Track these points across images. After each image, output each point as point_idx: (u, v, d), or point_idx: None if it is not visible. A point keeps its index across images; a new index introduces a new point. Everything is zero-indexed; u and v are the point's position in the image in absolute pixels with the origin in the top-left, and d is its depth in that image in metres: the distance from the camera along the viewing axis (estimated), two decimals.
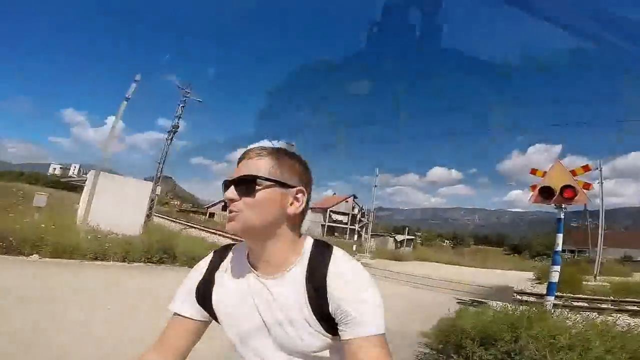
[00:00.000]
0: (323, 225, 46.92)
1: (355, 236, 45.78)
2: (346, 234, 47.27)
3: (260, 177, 0.74)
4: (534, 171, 6.30)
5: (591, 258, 23.54)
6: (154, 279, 7.34)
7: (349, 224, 49.19)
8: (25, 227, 7.34)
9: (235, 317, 0.81)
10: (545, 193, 5.81)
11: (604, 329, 3.55)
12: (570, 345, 3.11)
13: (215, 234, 20.44)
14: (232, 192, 0.75)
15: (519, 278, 17.38)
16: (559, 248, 6.28)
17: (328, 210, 48.04)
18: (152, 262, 8.39)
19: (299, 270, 0.76)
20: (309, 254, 0.78)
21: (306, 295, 0.74)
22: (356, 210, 51.00)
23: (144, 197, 11.67)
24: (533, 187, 6.16)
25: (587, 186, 6.09)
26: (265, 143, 0.81)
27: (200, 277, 0.86)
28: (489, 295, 10.46)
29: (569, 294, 11.74)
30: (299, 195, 0.77)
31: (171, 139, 28.99)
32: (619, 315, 7.77)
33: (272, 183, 0.74)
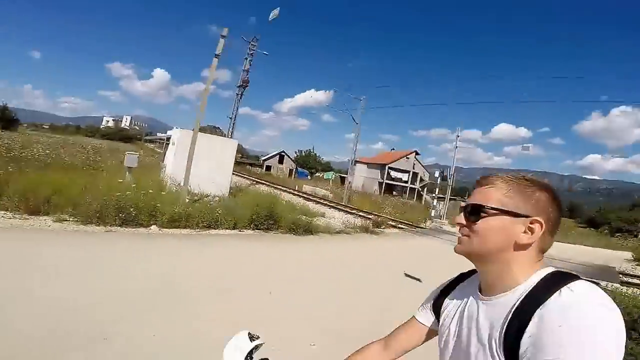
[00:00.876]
0: (380, 183, 46.04)
1: (415, 196, 44.61)
2: (405, 193, 46.13)
3: (485, 206, 0.75)
4: None
5: None
6: (288, 248, 7.15)
7: (409, 182, 47.71)
8: (131, 194, 6.82)
9: (445, 326, 0.87)
10: None
11: None
12: None
13: (286, 191, 19.78)
14: (460, 217, 0.79)
15: (615, 257, 16.20)
16: None
17: (387, 166, 46.75)
18: (260, 229, 8.08)
19: (513, 298, 0.71)
20: (535, 282, 0.70)
21: (505, 326, 0.68)
22: (417, 168, 49.10)
23: (230, 156, 11.14)
24: None
25: None
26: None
27: (442, 289, 0.96)
28: (593, 275, 9.59)
29: None
30: (534, 226, 0.72)
31: (241, 95, 28.82)
32: None
33: (499, 212, 0.74)
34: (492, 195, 0.76)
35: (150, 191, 7.18)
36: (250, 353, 0.88)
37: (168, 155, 11.42)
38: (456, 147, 22.77)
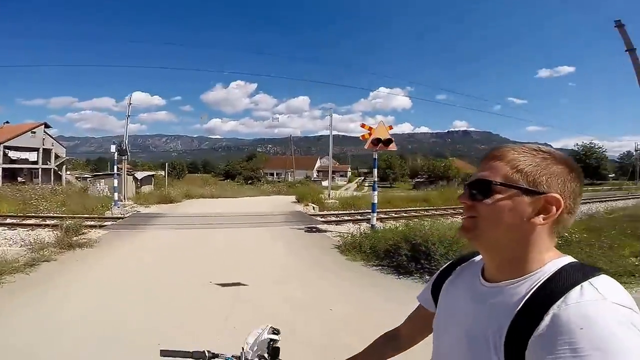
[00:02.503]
0: None
1: (53, 178, 35.48)
2: (37, 177, 35.47)
3: (493, 182, 0.65)
4: (363, 125, 8.58)
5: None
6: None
7: (39, 162, 36.83)
8: None
9: (443, 309, 0.82)
10: (375, 142, 8.29)
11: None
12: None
13: None
14: (464, 195, 0.70)
15: (285, 202, 19.05)
16: (375, 179, 9.35)
17: (1, 146, 33.16)
18: None
19: (522, 288, 0.63)
20: (551, 273, 0.62)
21: (511, 319, 0.61)
22: (48, 144, 38.72)
23: None
24: (363, 136, 8.53)
25: (391, 139, 8.78)
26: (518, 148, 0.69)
27: (442, 270, 0.90)
28: (298, 220, 12.47)
29: (329, 211, 15.87)
30: (550, 206, 0.63)
31: None
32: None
33: (508, 188, 0.64)
34: (501, 169, 0.66)
35: None
36: (270, 342, 1.02)
37: None
38: (128, 115, 20.02)
